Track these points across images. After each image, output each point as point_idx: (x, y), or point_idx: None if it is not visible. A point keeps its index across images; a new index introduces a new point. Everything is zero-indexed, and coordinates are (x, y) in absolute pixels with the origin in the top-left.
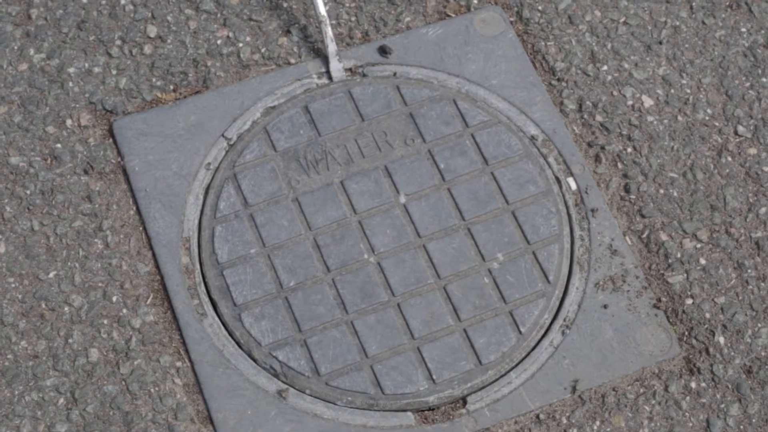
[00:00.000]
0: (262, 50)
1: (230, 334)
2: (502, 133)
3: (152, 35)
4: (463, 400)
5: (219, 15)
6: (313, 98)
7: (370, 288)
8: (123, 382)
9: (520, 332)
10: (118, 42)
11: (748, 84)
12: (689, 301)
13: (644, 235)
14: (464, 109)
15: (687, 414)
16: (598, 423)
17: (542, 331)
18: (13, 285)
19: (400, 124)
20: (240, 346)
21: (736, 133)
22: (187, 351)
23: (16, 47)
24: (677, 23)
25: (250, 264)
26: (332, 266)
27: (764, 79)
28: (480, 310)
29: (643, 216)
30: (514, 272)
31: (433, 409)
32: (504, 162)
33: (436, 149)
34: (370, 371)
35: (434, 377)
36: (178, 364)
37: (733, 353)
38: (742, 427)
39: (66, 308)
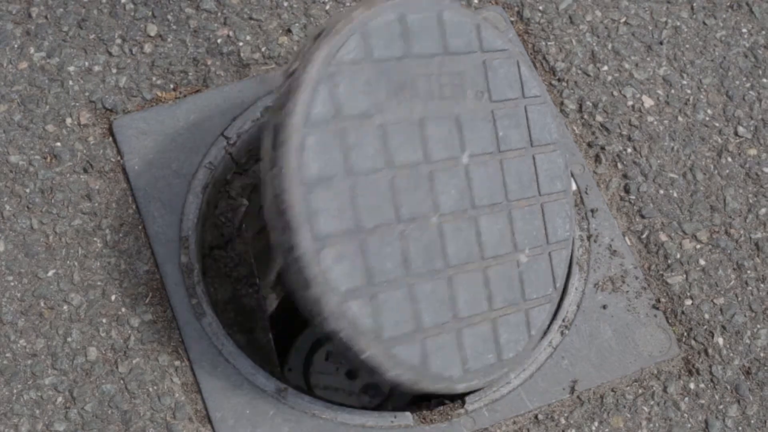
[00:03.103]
0: (263, 49)
1: (303, 268)
2: (547, 115)
3: (152, 34)
4: (462, 400)
5: (219, 14)
6: (408, 9)
7: (431, 252)
8: (121, 381)
9: (530, 334)
10: (119, 41)
11: (748, 85)
12: (688, 302)
13: (644, 236)
14: (525, 77)
15: (685, 415)
16: (596, 423)
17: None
18: (12, 283)
19: (474, 71)
20: (308, 286)
21: (736, 133)
22: (185, 350)
23: (16, 45)
24: (678, 23)
25: (334, 191)
26: (403, 216)
27: (765, 80)
28: (507, 303)
29: (642, 216)
30: (536, 269)
31: (431, 409)
32: (544, 148)
33: (499, 113)
34: (422, 345)
35: (466, 366)
36: (177, 363)
37: (732, 354)
38: (740, 428)
39: (65, 307)
